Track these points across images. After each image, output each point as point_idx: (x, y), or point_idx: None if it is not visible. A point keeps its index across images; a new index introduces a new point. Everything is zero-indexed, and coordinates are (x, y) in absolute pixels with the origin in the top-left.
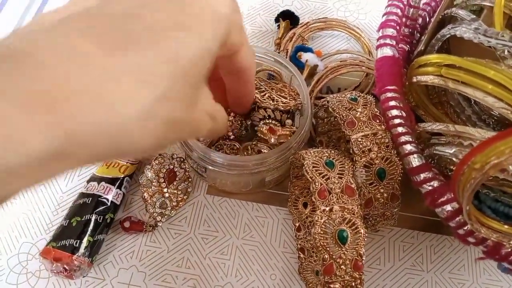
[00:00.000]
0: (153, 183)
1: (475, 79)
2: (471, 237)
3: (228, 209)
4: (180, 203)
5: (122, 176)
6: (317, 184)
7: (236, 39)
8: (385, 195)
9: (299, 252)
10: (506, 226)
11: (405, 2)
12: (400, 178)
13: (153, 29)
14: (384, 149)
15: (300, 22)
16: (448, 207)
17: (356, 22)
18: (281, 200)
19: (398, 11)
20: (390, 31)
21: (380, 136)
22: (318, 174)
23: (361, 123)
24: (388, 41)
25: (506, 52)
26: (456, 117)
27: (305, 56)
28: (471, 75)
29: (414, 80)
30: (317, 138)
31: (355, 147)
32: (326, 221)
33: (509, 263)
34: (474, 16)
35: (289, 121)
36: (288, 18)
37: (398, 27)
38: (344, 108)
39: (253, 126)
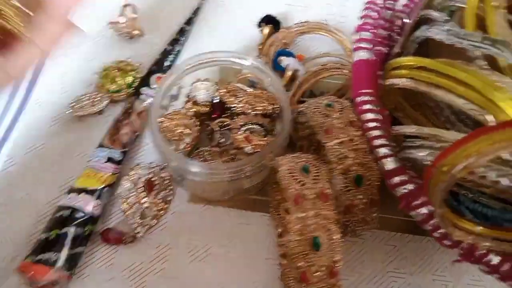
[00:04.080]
0: (132, 193)
1: (447, 81)
2: (446, 240)
3: (210, 217)
4: (160, 213)
5: (101, 186)
6: (292, 190)
7: None
8: (364, 200)
9: (281, 258)
10: (480, 228)
11: (382, 5)
12: (378, 183)
13: None
14: (361, 155)
15: (282, 26)
16: (423, 210)
17: (338, 25)
18: (264, 206)
19: (375, 14)
20: (366, 35)
21: (356, 142)
22: (293, 180)
23: (337, 130)
24: (363, 44)
25: (478, 53)
26: (435, 118)
27: (285, 61)
28: (443, 77)
29: (388, 83)
30: (298, 143)
31: (330, 154)
32: (301, 227)
33: (484, 265)
34: (448, 17)
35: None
36: (270, 23)
37: (374, 30)
38: (320, 115)
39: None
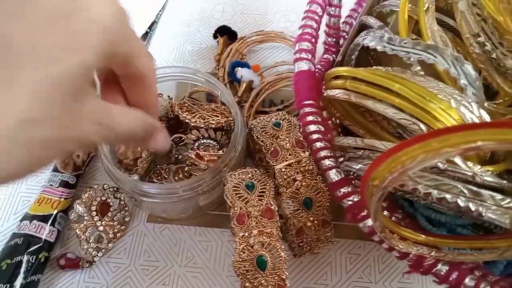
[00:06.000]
0: (85, 217)
1: (379, 92)
2: (395, 251)
3: (169, 236)
4: (117, 235)
5: (55, 212)
6: (236, 208)
7: (125, 49)
8: (316, 222)
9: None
10: (423, 236)
11: (320, 14)
12: (328, 204)
13: (34, 49)
14: (309, 177)
15: (240, 36)
16: (369, 222)
17: (296, 32)
18: (224, 221)
19: (313, 23)
20: (305, 45)
21: (304, 164)
22: (238, 198)
23: (284, 151)
24: (303, 55)
25: (411, 59)
26: (386, 123)
27: (240, 72)
28: (376, 88)
29: (325, 94)
30: (256, 155)
31: (279, 178)
32: (245, 247)
33: (434, 276)
34: (382, 24)
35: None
36: (225, 33)
37: (313, 40)
38: (268, 136)
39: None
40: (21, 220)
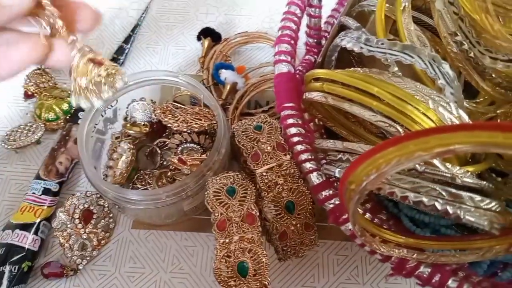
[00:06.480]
0: (68, 225)
1: (356, 94)
2: (377, 254)
3: (155, 242)
4: (102, 242)
5: (38, 220)
6: (216, 214)
7: None
8: (298, 226)
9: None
10: (404, 238)
11: (299, 15)
12: (311, 207)
13: None
14: (290, 180)
15: (224, 37)
16: (350, 225)
17: None
18: (210, 225)
19: (292, 25)
20: (284, 47)
21: (285, 167)
22: (218, 204)
23: (265, 155)
24: (282, 57)
25: (388, 60)
26: (369, 124)
27: (223, 74)
28: (352, 90)
29: (304, 96)
30: (241, 158)
31: (260, 182)
32: (225, 254)
33: (416, 278)
34: (359, 25)
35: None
36: (209, 35)
37: (293, 42)
38: (249, 139)
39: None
40: (3, 230)
